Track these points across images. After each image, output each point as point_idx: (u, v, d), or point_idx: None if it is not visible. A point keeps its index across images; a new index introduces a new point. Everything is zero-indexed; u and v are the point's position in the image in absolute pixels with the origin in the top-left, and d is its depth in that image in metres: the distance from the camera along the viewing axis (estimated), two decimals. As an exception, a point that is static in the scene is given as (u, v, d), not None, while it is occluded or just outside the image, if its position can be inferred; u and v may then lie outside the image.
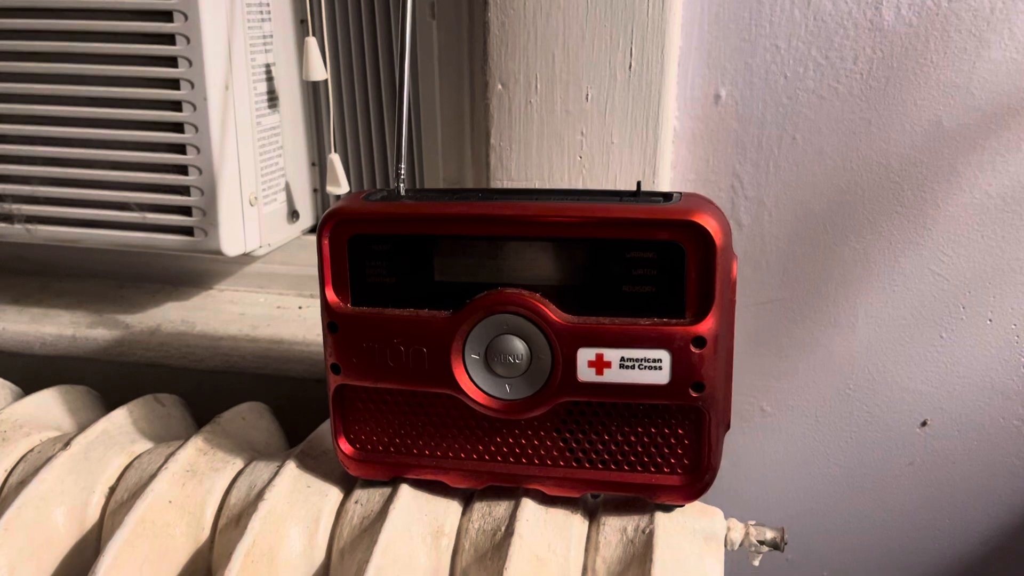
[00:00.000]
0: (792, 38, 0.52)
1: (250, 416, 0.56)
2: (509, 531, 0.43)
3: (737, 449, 0.62)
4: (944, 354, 0.57)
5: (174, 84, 0.55)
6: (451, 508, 0.46)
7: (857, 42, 0.51)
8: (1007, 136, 0.51)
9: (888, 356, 0.58)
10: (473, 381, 0.44)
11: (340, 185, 0.61)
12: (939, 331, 0.57)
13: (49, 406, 0.57)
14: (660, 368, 0.41)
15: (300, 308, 0.67)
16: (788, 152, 0.54)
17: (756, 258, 0.57)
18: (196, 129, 0.55)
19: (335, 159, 0.61)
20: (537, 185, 0.56)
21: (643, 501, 0.45)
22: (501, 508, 0.45)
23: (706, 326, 0.40)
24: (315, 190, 0.68)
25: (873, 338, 0.57)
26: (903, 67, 0.51)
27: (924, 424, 0.59)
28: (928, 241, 0.54)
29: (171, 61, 0.54)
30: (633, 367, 0.41)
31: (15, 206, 0.60)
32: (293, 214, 0.65)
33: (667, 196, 0.42)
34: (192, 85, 0.55)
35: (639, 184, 0.43)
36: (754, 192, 0.55)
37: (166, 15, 0.54)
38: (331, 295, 0.44)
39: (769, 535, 0.45)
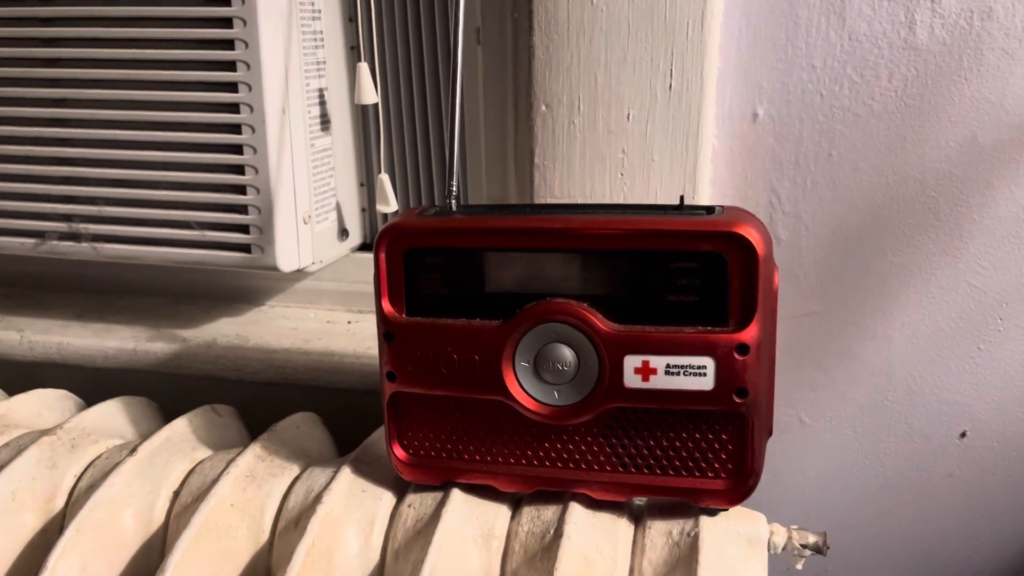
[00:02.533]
0: (828, 57, 0.54)
1: (304, 425, 0.58)
2: (558, 533, 0.45)
3: (776, 459, 0.63)
4: (982, 366, 0.58)
5: (234, 108, 0.58)
6: (501, 511, 0.48)
7: (892, 60, 0.53)
8: (1041, 150, 0.53)
9: (926, 368, 0.59)
10: (523, 388, 0.45)
11: (389, 204, 0.64)
12: (977, 343, 0.57)
13: (113, 416, 0.60)
14: (705, 375, 0.43)
15: (349, 323, 0.69)
16: (825, 168, 0.56)
17: (794, 271, 0.58)
18: (254, 151, 0.58)
19: (384, 179, 0.63)
20: (579, 201, 0.58)
21: (688, 505, 0.46)
22: (549, 512, 0.47)
23: (749, 334, 0.42)
24: (363, 209, 0.70)
25: (911, 350, 0.58)
26: (937, 84, 0.53)
27: (963, 435, 0.60)
28: (964, 254, 0.56)
29: (232, 86, 0.57)
30: (678, 374, 0.43)
31: (82, 225, 0.63)
32: (343, 232, 0.68)
33: (709, 209, 0.44)
34: (251, 109, 0.57)
35: (682, 198, 0.45)
36: (791, 207, 0.57)
37: (228, 43, 0.57)
38: (387, 306, 0.47)
39: (812, 539, 0.46)
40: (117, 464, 0.51)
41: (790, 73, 0.54)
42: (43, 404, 0.62)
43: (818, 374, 0.61)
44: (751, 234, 0.41)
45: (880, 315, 0.58)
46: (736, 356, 0.42)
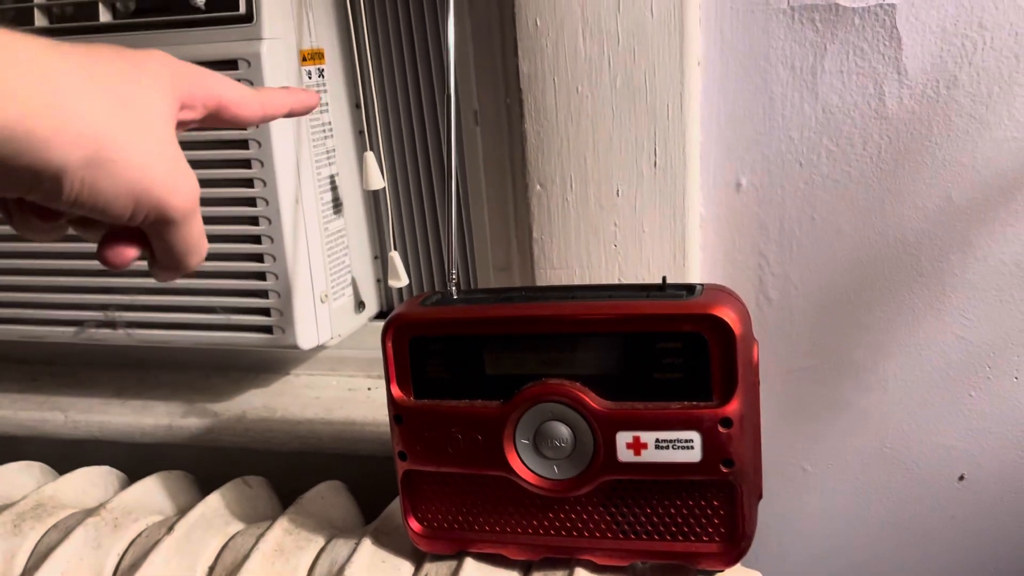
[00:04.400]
0: (804, 129, 0.57)
1: (328, 495, 0.62)
2: (564, 599, 0.48)
3: (782, 505, 0.66)
4: (975, 412, 0.60)
5: (251, 202, 0.62)
6: (511, 578, 0.51)
7: (864, 129, 0.56)
8: (1015, 207, 0.55)
9: (920, 415, 0.61)
10: (524, 463, 0.49)
11: (400, 279, 0.68)
12: (968, 390, 0.59)
13: (152, 492, 0.64)
14: (692, 447, 0.46)
15: (369, 390, 0.73)
16: (808, 232, 0.58)
17: (786, 329, 0.61)
18: (272, 240, 0.62)
19: (395, 257, 0.67)
20: (577, 271, 0.61)
21: (687, 567, 0.49)
22: (557, 577, 0.50)
23: (732, 407, 0.45)
24: (378, 280, 0.74)
25: (904, 398, 0.61)
26: (910, 150, 0.55)
27: (961, 478, 0.62)
28: (949, 307, 0.58)
29: (248, 182, 0.62)
30: (667, 447, 0.46)
31: (117, 314, 0.68)
32: (359, 305, 0.72)
33: (691, 289, 0.47)
34: (267, 202, 0.62)
35: (664, 279, 0.48)
36: (780, 269, 0.60)
37: (242, 143, 0.61)
38: (396, 390, 0.50)
39: (806, 596, 0.49)
40: (156, 543, 0.55)
41: (769, 145, 0.57)
42: (87, 481, 0.67)
43: (817, 424, 0.63)
44: (728, 315, 0.44)
45: (872, 366, 0.61)
46: (720, 429, 0.45)
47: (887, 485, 0.63)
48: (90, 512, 0.59)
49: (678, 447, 0.46)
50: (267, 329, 0.65)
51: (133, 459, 0.72)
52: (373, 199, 0.73)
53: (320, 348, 0.74)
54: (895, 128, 0.55)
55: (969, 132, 0.54)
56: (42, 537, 0.58)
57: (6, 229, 0.69)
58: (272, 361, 0.77)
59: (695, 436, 0.45)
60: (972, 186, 0.55)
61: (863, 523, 0.65)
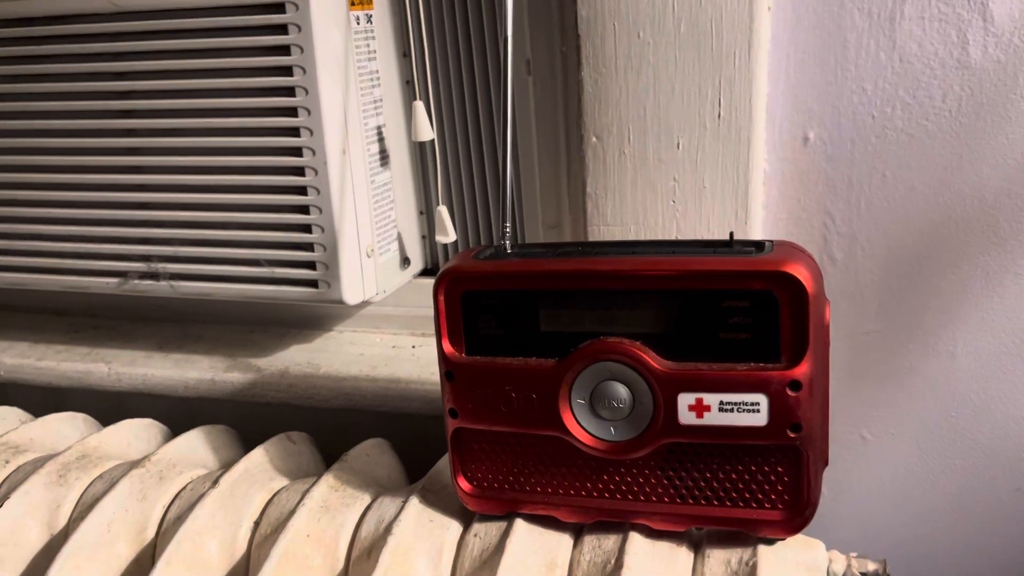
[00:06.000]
0: (878, 79, 0.53)
1: (373, 452, 0.61)
2: (619, 564, 0.46)
3: (839, 476, 0.64)
4: (1049, 381, 0.57)
5: (297, 152, 0.60)
6: (563, 541, 0.49)
7: (944, 81, 0.52)
8: (1104, 165, 0.52)
9: (991, 384, 0.58)
10: (580, 424, 0.47)
11: (448, 235, 0.66)
12: (1043, 359, 0.57)
13: (195, 446, 0.64)
14: (758, 411, 0.43)
15: (413, 348, 0.72)
16: (879, 189, 0.55)
17: (851, 292, 0.58)
18: (318, 191, 0.61)
19: (443, 211, 0.65)
20: (632, 229, 0.59)
21: (746, 534, 0.47)
22: (610, 541, 0.48)
23: (801, 370, 0.43)
24: (423, 237, 0.73)
25: (974, 366, 0.58)
26: (992, 103, 0.52)
27: (1031, 451, 0.59)
28: (1027, 270, 0.55)
29: (294, 131, 0.60)
30: (732, 410, 0.44)
31: (160, 265, 0.67)
32: (405, 261, 0.70)
33: (759, 246, 0.44)
34: (313, 152, 0.60)
35: (731, 234, 0.46)
36: (846, 228, 0.57)
37: (289, 90, 0.59)
38: (447, 346, 0.48)
39: (871, 567, 0.47)
40: (201, 496, 0.55)
41: (840, 96, 0.54)
42: (131, 434, 0.66)
43: (879, 391, 0.61)
44: (801, 272, 0.42)
45: (941, 332, 0.58)
46: (789, 392, 0.43)
47: (951, 456, 0.61)
48: (135, 464, 0.59)
49: (743, 410, 0.44)
50: (312, 283, 0.63)
51: (176, 413, 0.71)
52: (419, 153, 0.71)
53: (364, 305, 0.73)
54: (977, 79, 0.52)
55: (1058, 84, 0.51)
56: (87, 488, 0.58)
57: (48, 177, 0.68)
58: (315, 317, 0.76)
59: (762, 399, 0.43)
60: (1059, 142, 0.52)
61: (923, 494, 0.62)
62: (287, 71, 0.59)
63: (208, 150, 0.63)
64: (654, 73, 0.55)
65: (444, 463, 0.56)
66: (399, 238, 0.69)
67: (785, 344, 0.43)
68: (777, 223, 0.58)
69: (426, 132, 0.63)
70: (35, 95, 0.66)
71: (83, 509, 0.56)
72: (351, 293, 0.63)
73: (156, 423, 0.68)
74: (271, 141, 0.61)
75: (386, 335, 0.74)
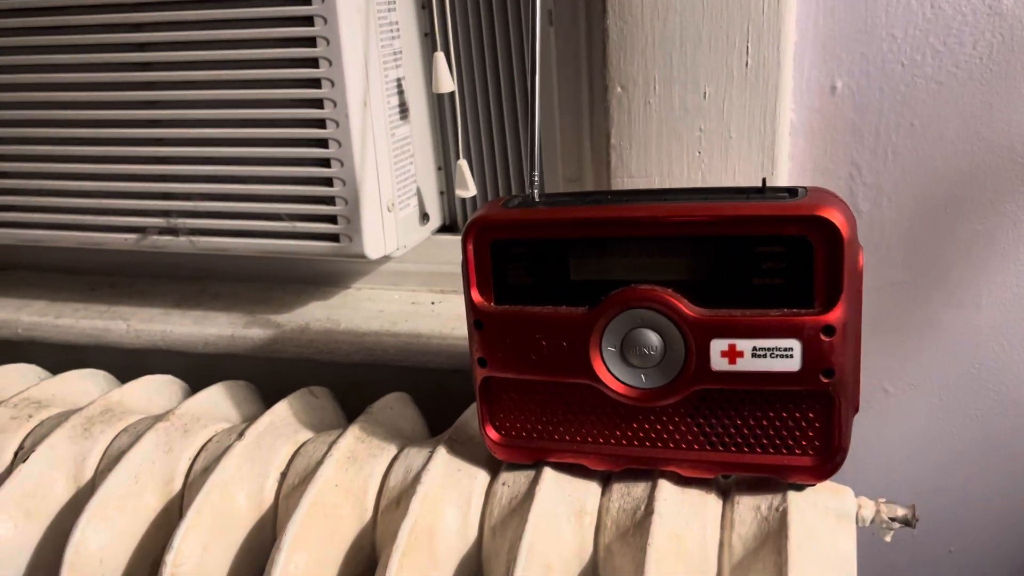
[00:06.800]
0: (909, 27, 0.53)
1: (397, 406, 0.61)
2: (649, 510, 0.47)
3: (860, 428, 0.64)
4: (1074, 332, 0.57)
5: (318, 104, 0.60)
6: (591, 489, 0.50)
7: (976, 27, 0.52)
8: None
9: (1016, 336, 0.58)
10: (610, 372, 0.47)
11: (468, 189, 0.65)
12: (1068, 309, 0.57)
13: (217, 401, 0.64)
14: (791, 356, 0.43)
15: (433, 304, 0.72)
16: (907, 139, 0.55)
17: (876, 242, 0.58)
18: (339, 144, 0.60)
19: (463, 164, 0.65)
20: (657, 180, 0.59)
21: (775, 481, 0.47)
22: (639, 489, 0.49)
23: (835, 315, 0.42)
24: (442, 192, 0.72)
25: (999, 319, 0.58)
26: (1025, 49, 0.51)
27: (1054, 402, 0.59)
28: (1055, 220, 0.55)
29: (315, 83, 0.59)
30: (765, 356, 0.44)
31: (180, 220, 0.66)
32: (424, 216, 0.70)
33: (792, 192, 0.44)
34: (335, 104, 0.59)
35: (764, 180, 0.46)
36: (872, 179, 0.57)
37: (310, 41, 0.58)
38: (476, 295, 0.48)
39: (900, 512, 0.47)
40: (228, 448, 0.55)
41: (870, 44, 0.54)
42: (152, 390, 0.66)
43: (901, 343, 0.61)
44: (836, 217, 0.42)
45: (966, 283, 0.58)
46: (822, 337, 0.43)
47: (973, 407, 0.61)
48: (159, 418, 0.59)
49: (776, 355, 0.44)
50: (334, 237, 0.63)
51: (195, 370, 0.71)
52: (438, 106, 0.70)
53: (383, 261, 0.73)
54: (1010, 25, 0.51)
55: (1092, 29, 0.50)
56: (112, 440, 0.58)
57: (65, 132, 0.68)
58: (333, 274, 0.76)
59: (795, 344, 0.43)
60: (1091, 89, 0.51)
61: (944, 446, 0.63)
62: (308, 21, 0.58)
63: (228, 102, 0.62)
64: (681, 21, 0.54)
65: (470, 414, 0.56)
66: (418, 193, 0.68)
67: (819, 289, 0.43)
68: (803, 174, 0.58)
69: (447, 84, 0.63)
70: (50, 48, 0.66)
71: (109, 461, 0.57)
72: (373, 247, 0.63)
73: (176, 379, 0.68)
74: (292, 93, 0.60)
75: (405, 292, 0.74)
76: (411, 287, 0.74)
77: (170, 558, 0.49)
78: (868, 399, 0.63)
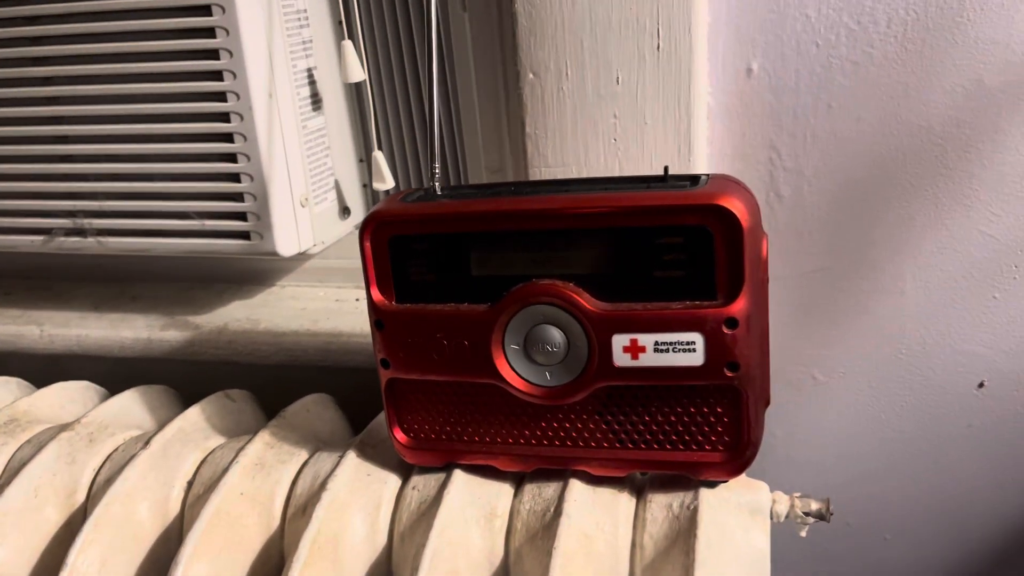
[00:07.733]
0: (822, 6, 0.51)
1: (315, 408, 0.59)
2: (558, 512, 0.45)
3: (791, 416, 0.63)
4: (999, 314, 0.56)
5: (221, 96, 0.58)
6: (503, 491, 0.48)
7: (890, 5, 0.50)
8: (1053, 90, 0.50)
9: (940, 319, 0.57)
10: (514, 370, 0.45)
11: (386, 181, 0.63)
12: (992, 292, 0.56)
13: (130, 406, 0.62)
14: (694, 350, 0.42)
15: (357, 300, 0.70)
16: (824, 121, 0.54)
17: (799, 228, 0.57)
18: (245, 138, 0.58)
19: (379, 156, 0.63)
20: (574, 170, 0.57)
21: (689, 478, 0.46)
22: (550, 489, 0.47)
23: (737, 307, 0.41)
24: (364, 185, 0.70)
25: (924, 302, 0.57)
26: (939, 27, 0.50)
27: (981, 385, 0.58)
28: (976, 202, 0.54)
29: (216, 75, 0.57)
30: (667, 350, 0.42)
31: (86, 220, 0.64)
32: (344, 210, 0.68)
33: (694, 179, 0.43)
34: (237, 96, 0.57)
35: (666, 169, 0.44)
36: (792, 163, 0.55)
37: (209, 31, 0.56)
38: (376, 294, 0.46)
39: (814, 506, 0.46)
40: (132, 457, 0.53)
41: (783, 25, 0.52)
42: (65, 397, 0.64)
43: (830, 330, 0.60)
44: (735, 205, 0.40)
45: (890, 268, 0.57)
46: (725, 330, 0.41)
47: (902, 393, 0.60)
48: (65, 427, 0.56)
49: (679, 350, 0.42)
50: (244, 235, 0.61)
51: (113, 375, 0.69)
52: (357, 98, 0.68)
53: (305, 258, 0.71)
54: (923, 3, 0.50)
55: (1004, 6, 0.49)
56: (15, 453, 0.56)
57: (-35, 132, 0.65)
58: (256, 272, 0.74)
59: (697, 338, 0.42)
60: (1006, 68, 0.50)
61: (875, 433, 0.62)
62: (206, 10, 0.56)
63: (130, 97, 0.60)
64: (589, 4, 0.52)
65: (383, 417, 0.55)
66: (337, 186, 0.66)
67: (720, 280, 0.41)
68: (723, 159, 0.56)
69: (356, 73, 0.61)
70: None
71: (9, 475, 0.54)
72: (285, 244, 0.61)
73: (92, 385, 0.66)
74: (194, 86, 0.58)
75: (329, 288, 0.72)
76: (336, 283, 0.72)
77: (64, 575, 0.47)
78: (798, 387, 0.62)
